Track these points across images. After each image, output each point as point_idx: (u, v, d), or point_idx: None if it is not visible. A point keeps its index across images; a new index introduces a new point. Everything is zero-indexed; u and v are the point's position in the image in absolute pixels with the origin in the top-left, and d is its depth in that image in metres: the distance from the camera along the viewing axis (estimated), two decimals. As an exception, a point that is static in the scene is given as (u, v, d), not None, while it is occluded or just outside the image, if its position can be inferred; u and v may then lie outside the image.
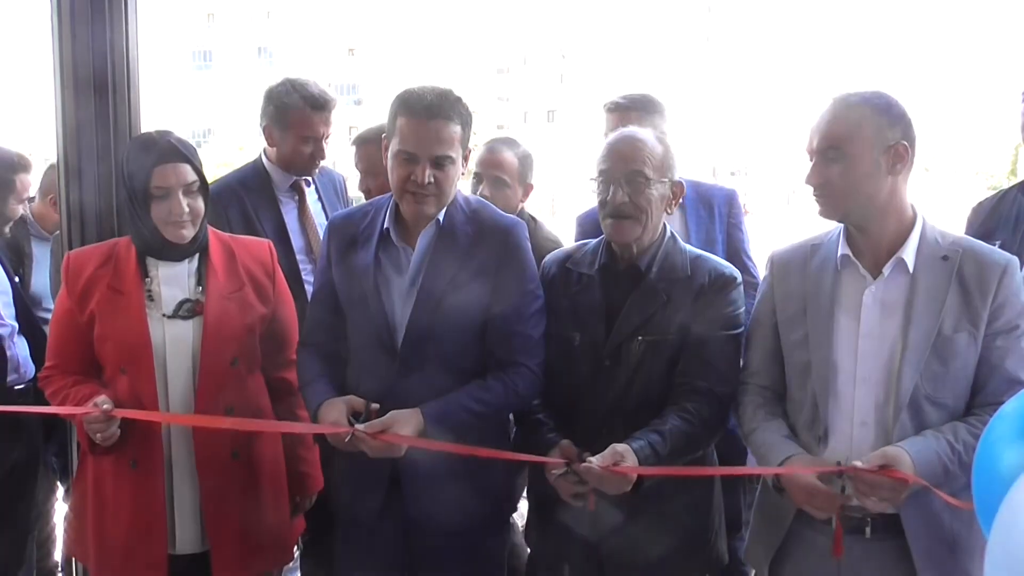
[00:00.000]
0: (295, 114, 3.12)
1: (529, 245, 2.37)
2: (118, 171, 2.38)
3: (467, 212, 2.33)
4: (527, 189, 3.27)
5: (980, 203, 2.95)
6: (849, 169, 2.04)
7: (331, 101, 3.19)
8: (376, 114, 2.44)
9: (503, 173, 3.18)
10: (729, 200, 3.29)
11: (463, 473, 2.24)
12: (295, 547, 2.82)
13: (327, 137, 3.19)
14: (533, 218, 3.32)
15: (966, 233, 2.68)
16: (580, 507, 2.20)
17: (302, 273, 3.13)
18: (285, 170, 3.21)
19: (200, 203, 2.35)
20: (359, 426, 2.12)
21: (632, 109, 3.18)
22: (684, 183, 3.27)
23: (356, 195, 3.50)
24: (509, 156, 3.21)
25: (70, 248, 2.65)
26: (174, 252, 2.37)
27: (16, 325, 3.09)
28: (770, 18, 61.69)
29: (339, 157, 3.52)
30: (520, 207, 3.25)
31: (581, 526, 2.26)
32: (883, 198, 2.07)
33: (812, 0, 64.12)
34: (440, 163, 2.20)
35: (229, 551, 2.37)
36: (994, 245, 2.46)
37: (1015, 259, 2.10)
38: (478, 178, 3.21)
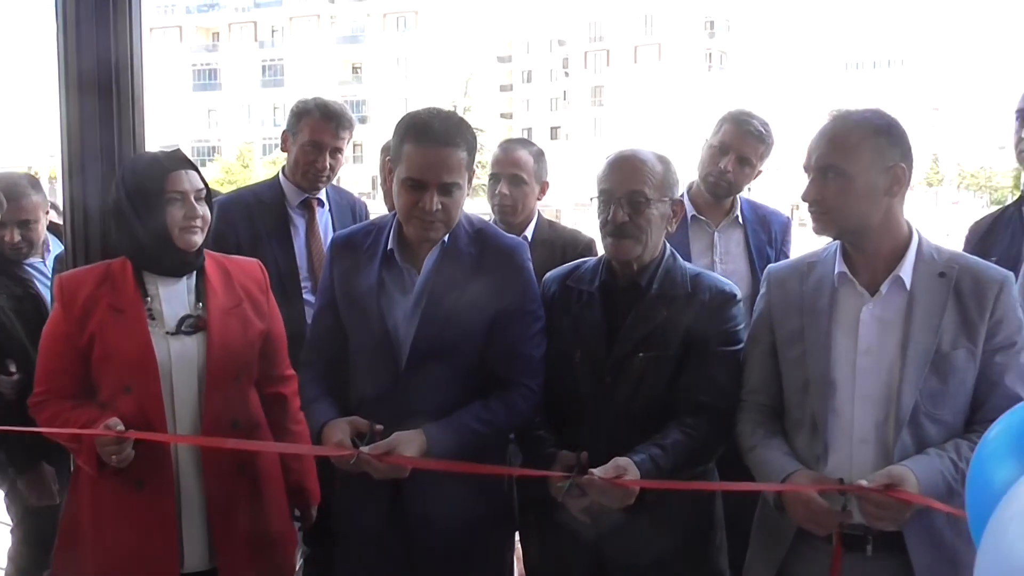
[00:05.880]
0: (307, 120, 3.22)
1: (531, 266, 2.38)
2: (117, 186, 2.36)
3: (471, 233, 2.35)
4: (543, 186, 3.32)
5: (978, 221, 2.93)
6: (847, 188, 2.04)
7: (344, 115, 3.26)
8: (382, 131, 2.47)
9: (520, 171, 3.22)
10: (784, 228, 3.40)
11: (465, 486, 2.24)
12: (296, 561, 2.82)
13: (337, 152, 3.25)
14: (550, 221, 3.37)
15: (964, 251, 2.69)
16: (585, 522, 2.20)
17: (303, 292, 3.16)
18: (293, 179, 3.27)
19: (207, 211, 2.37)
20: (364, 448, 2.13)
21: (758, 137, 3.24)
22: (742, 200, 3.33)
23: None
24: (524, 154, 3.25)
25: (74, 259, 2.66)
26: (176, 266, 2.37)
27: None
28: (772, 34, 61.91)
29: (344, 174, 3.57)
30: (536, 205, 3.30)
31: (581, 541, 2.26)
32: (878, 218, 2.07)
33: (816, 15, 64.36)
34: (447, 190, 2.20)
35: (237, 566, 2.37)
36: (992, 259, 2.46)
37: (1011, 275, 2.10)
38: (495, 178, 3.25)
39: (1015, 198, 2.88)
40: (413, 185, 2.20)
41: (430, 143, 2.18)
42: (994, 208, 3.06)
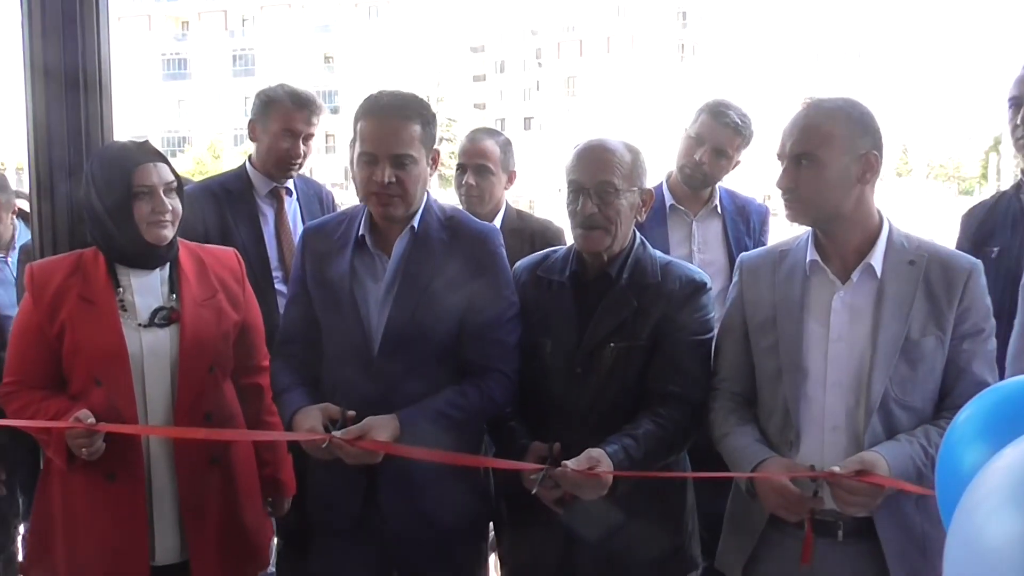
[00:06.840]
0: (278, 108, 3.18)
1: (504, 252, 2.38)
2: (87, 178, 2.34)
3: (442, 219, 2.34)
4: (511, 176, 3.32)
5: (973, 208, 2.85)
6: (820, 175, 2.06)
7: (315, 101, 3.24)
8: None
9: (486, 161, 3.22)
10: (763, 217, 3.41)
11: (440, 477, 2.25)
12: (270, 552, 2.82)
13: (308, 139, 3.23)
14: (518, 211, 3.36)
15: (959, 239, 2.68)
16: (557, 513, 2.20)
17: (274, 282, 3.14)
18: (264, 168, 3.24)
19: (178, 204, 2.35)
20: (336, 433, 2.12)
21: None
22: (721, 190, 3.32)
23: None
24: (491, 144, 3.25)
25: (42, 251, 2.62)
26: (148, 259, 2.35)
27: None
28: (744, 25, 62.18)
29: (316, 164, 3.55)
30: (504, 195, 3.30)
31: (554, 531, 2.26)
32: (851, 205, 2.08)
33: (788, 7, 64.75)
34: (400, 162, 2.20)
35: (209, 559, 2.36)
36: (992, 249, 2.47)
37: (979, 263, 2.12)
38: (462, 168, 3.25)
39: (1015, 182, 2.77)
40: (368, 160, 2.21)
41: (380, 115, 2.20)
42: (963, 197, 3.02)
